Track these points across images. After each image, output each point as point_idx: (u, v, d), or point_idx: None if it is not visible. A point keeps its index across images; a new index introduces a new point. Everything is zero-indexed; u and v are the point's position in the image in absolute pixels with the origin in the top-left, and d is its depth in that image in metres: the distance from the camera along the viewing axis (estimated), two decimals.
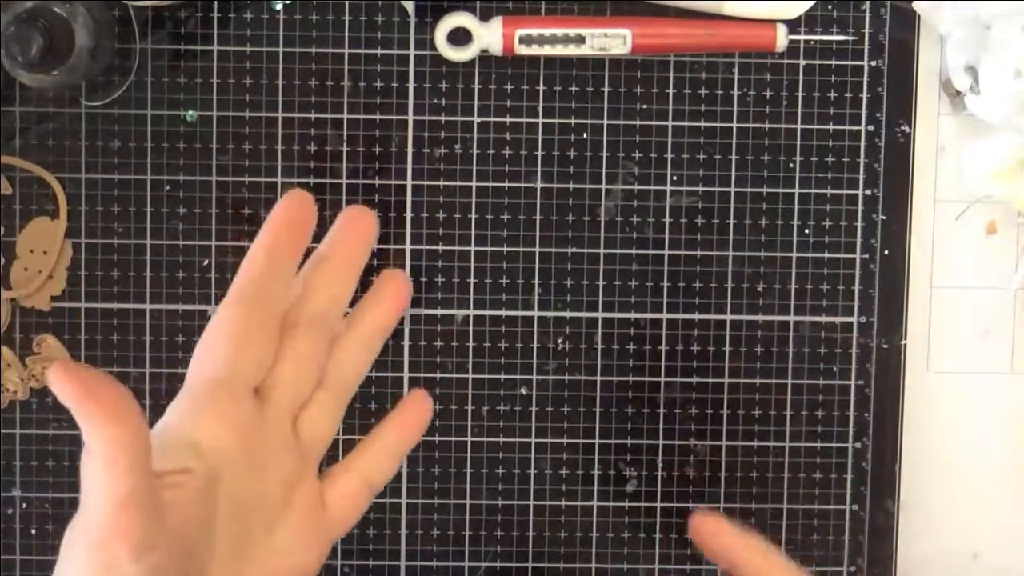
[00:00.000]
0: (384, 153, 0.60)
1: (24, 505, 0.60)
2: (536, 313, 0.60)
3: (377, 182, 0.60)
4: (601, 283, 0.60)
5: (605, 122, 0.60)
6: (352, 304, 0.46)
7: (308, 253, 0.45)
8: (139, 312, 0.60)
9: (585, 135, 0.60)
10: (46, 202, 0.59)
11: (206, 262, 0.60)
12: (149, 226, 0.59)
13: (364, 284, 0.58)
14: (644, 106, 0.60)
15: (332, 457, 0.46)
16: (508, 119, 0.60)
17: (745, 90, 0.60)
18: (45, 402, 0.60)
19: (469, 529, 0.61)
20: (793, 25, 0.59)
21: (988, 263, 0.62)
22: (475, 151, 0.60)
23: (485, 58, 0.59)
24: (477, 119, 0.60)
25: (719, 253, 0.60)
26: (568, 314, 0.60)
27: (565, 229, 0.60)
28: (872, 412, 0.61)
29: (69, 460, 0.60)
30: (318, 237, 0.45)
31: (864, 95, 0.60)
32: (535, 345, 0.60)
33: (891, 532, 0.61)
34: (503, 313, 0.60)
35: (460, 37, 0.58)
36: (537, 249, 0.60)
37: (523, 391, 0.60)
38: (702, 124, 0.60)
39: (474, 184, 0.60)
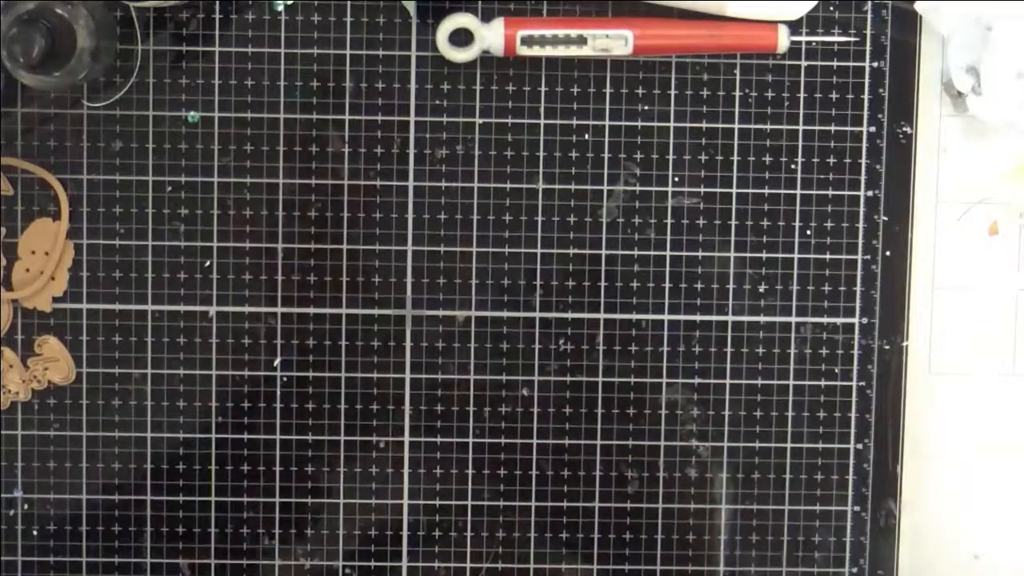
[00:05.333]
0: (386, 154, 0.60)
1: (26, 506, 0.60)
2: (537, 314, 0.60)
3: (379, 183, 0.60)
4: (602, 284, 0.60)
5: (607, 123, 0.60)
6: None
7: None
8: (140, 313, 0.60)
9: (586, 136, 0.60)
10: (48, 203, 0.59)
11: (207, 263, 0.60)
12: (151, 227, 0.59)
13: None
14: (645, 107, 0.60)
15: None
16: (510, 120, 0.60)
17: (746, 91, 0.60)
18: (47, 403, 0.60)
19: (470, 530, 0.61)
20: (795, 26, 0.59)
21: (990, 264, 0.62)
22: (477, 152, 0.60)
23: (487, 59, 0.59)
24: (479, 120, 0.60)
25: (720, 254, 0.60)
26: (569, 315, 0.60)
27: (566, 230, 0.60)
28: (874, 413, 0.61)
29: (71, 461, 0.60)
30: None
31: (866, 96, 0.60)
32: (537, 346, 0.60)
33: (893, 533, 0.61)
34: (504, 314, 0.60)
35: (462, 38, 0.58)
36: (539, 250, 0.60)
37: (525, 392, 0.60)
38: (703, 125, 0.60)
39: (476, 185, 0.60)
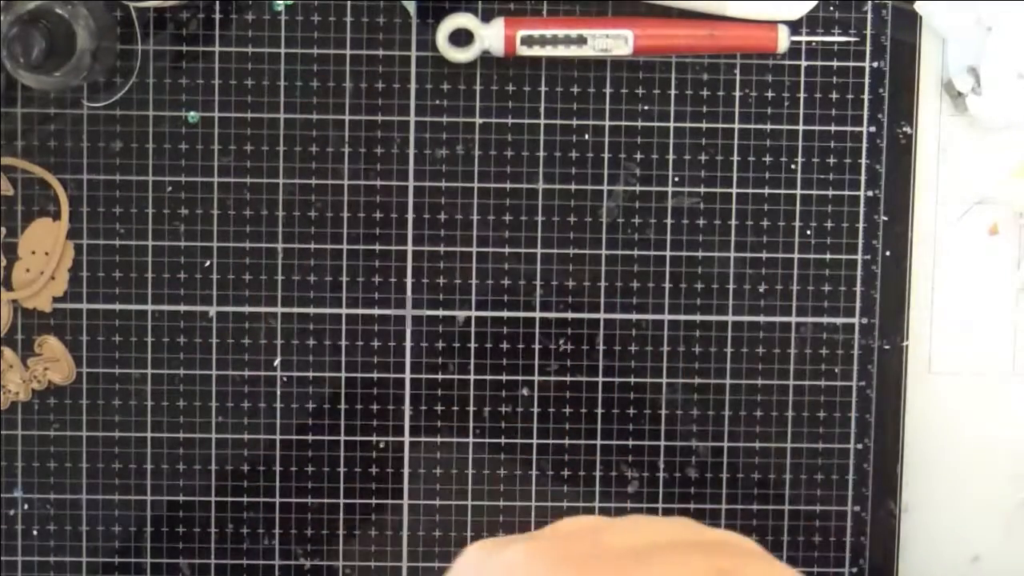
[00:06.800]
0: (385, 154, 0.60)
1: (26, 506, 0.60)
2: (538, 314, 0.60)
3: (378, 183, 0.60)
4: (603, 284, 0.60)
5: (607, 123, 0.60)
6: None
7: None
8: (140, 313, 0.60)
9: (587, 136, 0.60)
10: (48, 203, 0.59)
11: (207, 263, 0.60)
12: (151, 227, 0.60)
13: (372, 286, 0.58)
14: (646, 107, 0.60)
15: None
16: (510, 120, 0.60)
17: (747, 91, 0.60)
18: (47, 403, 0.60)
19: (471, 530, 0.61)
20: (795, 26, 0.59)
21: (990, 264, 0.62)
22: (476, 152, 0.60)
23: (487, 59, 0.59)
24: (479, 120, 0.60)
25: (720, 254, 0.60)
26: (570, 315, 0.60)
27: (567, 230, 0.60)
28: (874, 413, 0.61)
29: (71, 461, 0.60)
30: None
31: (866, 96, 0.60)
32: (536, 346, 0.60)
33: (893, 534, 0.61)
34: (504, 314, 0.60)
35: (462, 38, 0.58)
36: (539, 250, 0.60)
37: (525, 392, 0.60)
38: (703, 125, 0.60)
39: (475, 185, 0.60)
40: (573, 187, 0.60)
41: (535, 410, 0.60)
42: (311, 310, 0.60)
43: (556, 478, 0.61)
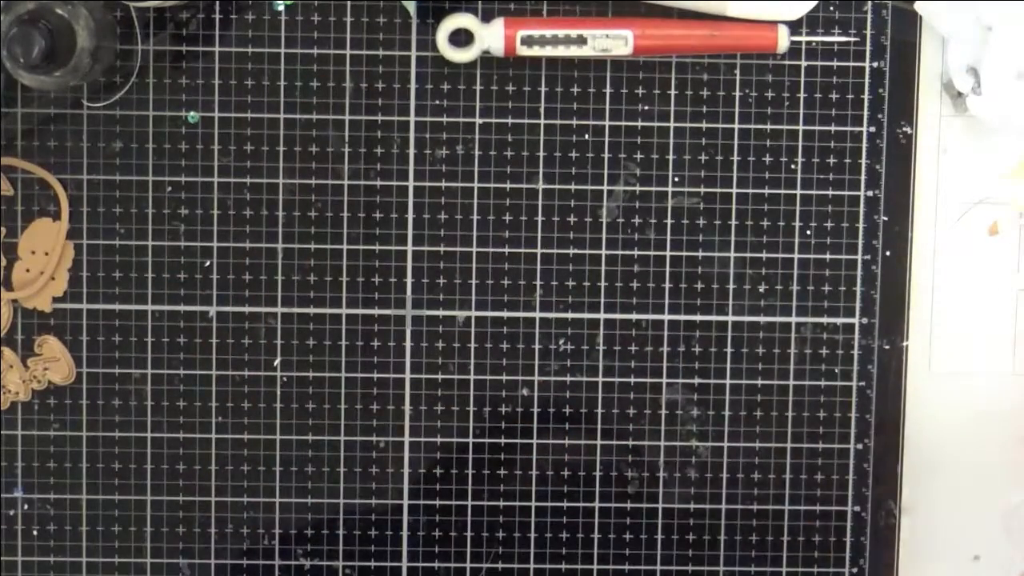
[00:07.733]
0: (386, 154, 0.60)
1: (26, 506, 0.60)
2: (538, 314, 0.60)
3: (378, 183, 0.60)
4: (602, 284, 0.60)
5: (607, 123, 0.60)
6: None
7: None
8: (140, 313, 0.60)
9: (587, 136, 0.60)
10: (48, 203, 0.59)
11: (207, 263, 0.60)
12: (150, 227, 0.60)
13: (364, 286, 0.58)
14: (645, 107, 0.60)
15: None
16: (510, 120, 0.60)
17: (746, 91, 0.60)
18: (47, 403, 0.60)
19: (471, 530, 0.61)
20: (795, 26, 0.59)
21: (990, 264, 0.62)
22: (476, 152, 0.60)
23: (487, 59, 0.59)
24: (479, 120, 0.60)
25: (720, 254, 0.60)
26: (570, 315, 0.60)
27: (567, 230, 0.60)
28: (874, 413, 0.61)
29: (71, 461, 0.60)
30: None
31: (866, 96, 0.60)
32: (537, 346, 0.60)
33: (893, 533, 0.61)
34: (504, 314, 0.60)
35: (462, 38, 0.58)
36: (539, 250, 0.60)
37: (525, 392, 0.60)
38: (703, 125, 0.60)
39: (476, 185, 0.60)
40: (573, 187, 0.60)
41: (535, 410, 0.61)
42: (311, 310, 0.60)
43: (556, 478, 0.61)
